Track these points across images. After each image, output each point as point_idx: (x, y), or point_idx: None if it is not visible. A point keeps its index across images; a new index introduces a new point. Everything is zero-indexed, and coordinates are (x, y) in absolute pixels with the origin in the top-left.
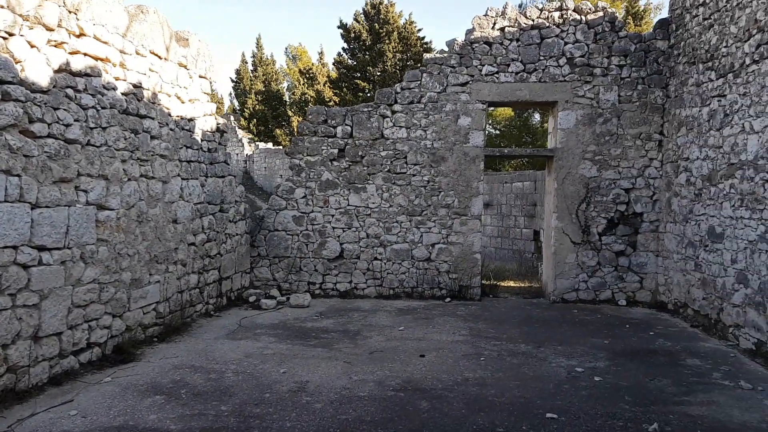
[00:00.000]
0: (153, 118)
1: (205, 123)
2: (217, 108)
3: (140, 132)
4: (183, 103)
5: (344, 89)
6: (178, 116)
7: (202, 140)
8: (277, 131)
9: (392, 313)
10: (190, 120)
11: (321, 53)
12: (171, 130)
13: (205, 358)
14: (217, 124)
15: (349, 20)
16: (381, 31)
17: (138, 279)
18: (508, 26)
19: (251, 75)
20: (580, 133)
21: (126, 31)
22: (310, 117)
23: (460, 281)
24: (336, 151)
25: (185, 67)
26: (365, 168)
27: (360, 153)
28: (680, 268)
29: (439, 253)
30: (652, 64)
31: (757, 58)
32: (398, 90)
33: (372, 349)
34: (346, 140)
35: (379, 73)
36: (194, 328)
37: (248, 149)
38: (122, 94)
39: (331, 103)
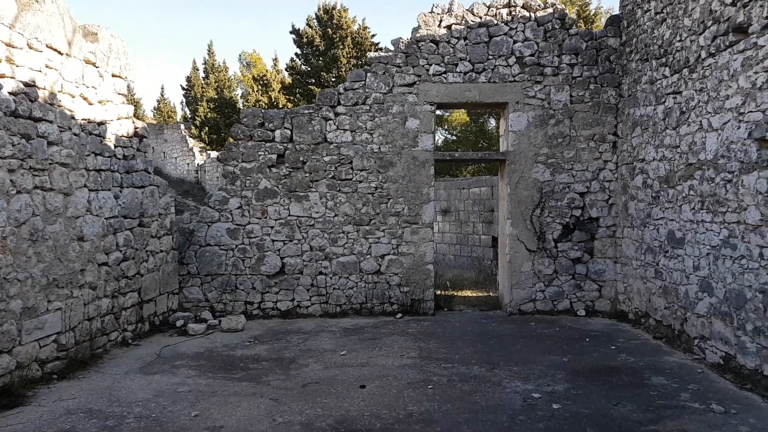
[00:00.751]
0: (51, 122)
1: (120, 127)
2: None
3: (34, 137)
4: (91, 104)
5: (298, 95)
6: (84, 119)
7: (115, 146)
8: (231, 139)
9: (336, 334)
10: (101, 124)
11: (275, 59)
12: (75, 135)
13: (107, 399)
14: (136, 128)
15: (301, 25)
16: (334, 36)
17: (32, 307)
18: (455, 24)
19: (203, 82)
20: (532, 136)
21: (14, 21)
22: (245, 120)
23: (412, 295)
24: (275, 156)
25: (93, 64)
26: (307, 174)
27: (301, 158)
28: (640, 275)
29: (389, 265)
30: (604, 62)
31: (713, 51)
32: (341, 91)
33: (306, 380)
34: (285, 145)
35: (333, 79)
36: (105, 361)
37: (200, 158)
38: (9, 93)
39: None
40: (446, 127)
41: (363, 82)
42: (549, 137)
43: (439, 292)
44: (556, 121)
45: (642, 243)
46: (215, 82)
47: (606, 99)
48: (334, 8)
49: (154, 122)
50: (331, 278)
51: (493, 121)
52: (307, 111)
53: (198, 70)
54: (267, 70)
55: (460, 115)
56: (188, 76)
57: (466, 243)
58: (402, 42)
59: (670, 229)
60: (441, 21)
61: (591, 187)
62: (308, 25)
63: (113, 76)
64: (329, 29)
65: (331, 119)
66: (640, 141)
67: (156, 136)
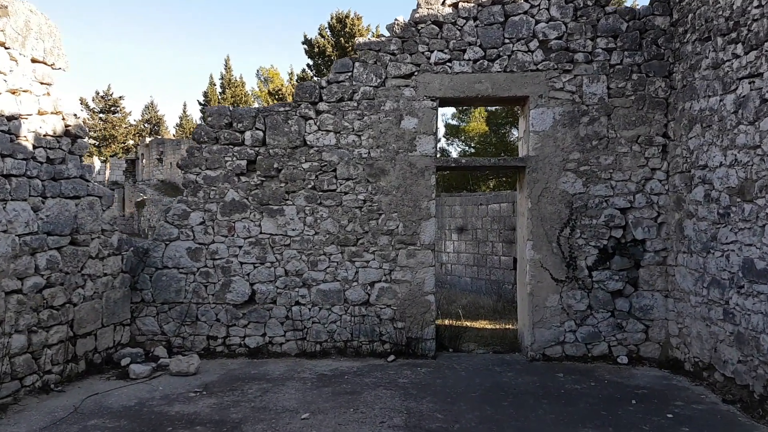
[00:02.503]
0: None
1: (44, 124)
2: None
3: None
4: None
5: None
6: None
7: (35, 147)
8: (193, 142)
9: (307, 384)
10: (11, 118)
11: (291, 73)
12: None
13: None
14: (67, 126)
15: (314, 35)
16: (347, 45)
17: None
18: (463, 1)
19: (219, 97)
20: (559, 137)
21: None
22: (209, 119)
23: (408, 332)
24: (244, 163)
25: (2, 45)
26: (283, 184)
27: (276, 165)
28: (701, 315)
29: (380, 295)
30: (650, 46)
31: None
32: (324, 84)
33: None
34: (257, 149)
35: None
36: (8, 416)
37: None
38: None
39: None
40: (463, 138)
41: (350, 74)
42: (581, 139)
43: (447, 322)
44: (590, 119)
45: (704, 274)
46: (231, 96)
47: (653, 91)
48: (347, 17)
49: (173, 138)
50: (309, 309)
51: (516, 132)
52: (282, 109)
53: (215, 85)
54: (283, 85)
55: (478, 125)
56: (205, 92)
57: (484, 264)
58: (397, 24)
59: (747, 257)
60: None
61: (635, 202)
62: (320, 34)
63: (33, 61)
64: (342, 38)
65: (311, 118)
66: (699, 142)
67: (173, 151)
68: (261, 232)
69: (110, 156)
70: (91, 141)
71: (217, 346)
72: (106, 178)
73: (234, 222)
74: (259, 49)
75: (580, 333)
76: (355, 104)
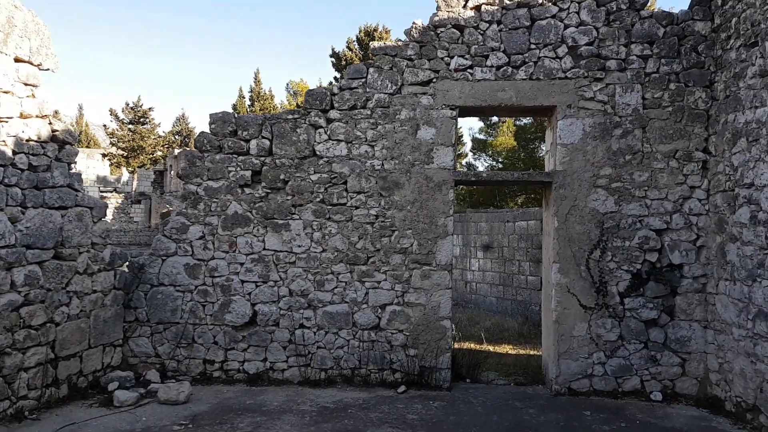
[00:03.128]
0: None
1: (27, 128)
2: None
3: None
4: None
5: None
6: None
7: (16, 152)
8: (194, 150)
9: (306, 419)
10: None
11: (319, 86)
12: None
13: None
14: (54, 131)
15: (341, 48)
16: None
17: None
18: (487, 3)
19: (248, 110)
20: (589, 151)
21: None
22: (212, 126)
23: (421, 360)
24: (248, 173)
25: None
26: (289, 197)
27: (282, 176)
28: (746, 350)
29: (391, 319)
30: (690, 53)
31: None
32: (335, 91)
33: None
34: (262, 159)
35: None
36: None
37: None
38: None
39: None
40: (490, 152)
41: (363, 80)
42: (613, 153)
43: (469, 345)
44: (624, 132)
45: (749, 304)
46: (260, 110)
47: (692, 102)
48: (375, 30)
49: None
50: (314, 333)
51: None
52: (291, 117)
53: (244, 98)
54: None
55: (506, 140)
56: (234, 104)
57: (511, 284)
58: (416, 28)
59: None
60: (467, 1)
61: (672, 223)
62: (348, 47)
63: (16, 60)
64: (369, 51)
65: (321, 127)
66: (745, 158)
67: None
68: (264, 248)
69: (138, 167)
70: (120, 152)
71: (213, 371)
72: (134, 189)
73: (236, 237)
74: (290, 62)
75: (609, 365)
76: (369, 112)
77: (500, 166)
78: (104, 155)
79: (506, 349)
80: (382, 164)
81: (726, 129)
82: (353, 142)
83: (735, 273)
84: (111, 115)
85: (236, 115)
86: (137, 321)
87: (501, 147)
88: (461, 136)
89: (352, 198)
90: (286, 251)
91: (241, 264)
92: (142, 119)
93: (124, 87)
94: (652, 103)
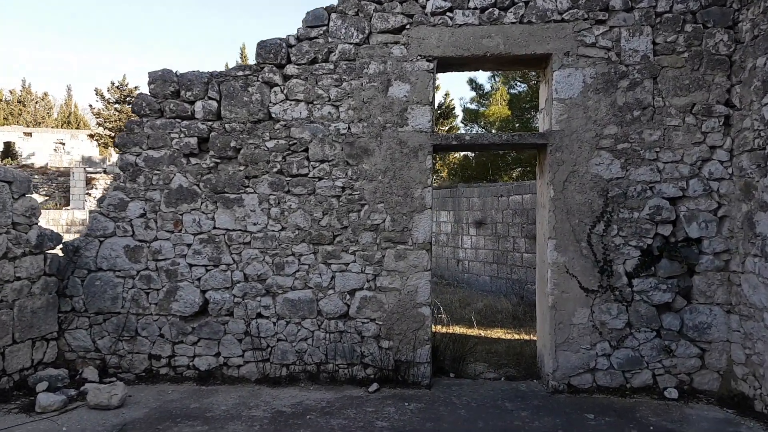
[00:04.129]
0: None
1: None
2: None
3: None
4: None
5: None
6: None
7: None
8: (132, 116)
9: (255, 428)
10: None
11: None
12: None
13: None
14: None
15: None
16: None
17: None
18: None
19: None
20: (590, 106)
21: None
22: (152, 87)
23: (396, 353)
24: (194, 140)
25: None
26: (242, 168)
27: (233, 144)
28: None
29: (362, 306)
30: None
31: None
32: (292, 42)
33: None
34: (210, 123)
35: None
36: None
37: None
38: None
39: None
40: (482, 123)
41: (325, 28)
42: (619, 109)
43: (460, 330)
44: (631, 83)
45: None
46: None
47: (713, 46)
48: None
49: None
50: (274, 324)
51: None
52: (241, 73)
53: None
54: None
55: (500, 109)
56: None
57: (505, 262)
58: None
59: None
60: None
61: (689, 190)
62: None
63: None
64: None
65: (277, 85)
66: None
67: None
68: (214, 227)
69: None
70: (107, 132)
71: (160, 368)
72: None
73: (181, 214)
74: (276, 34)
75: (616, 358)
76: (332, 67)
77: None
78: (91, 136)
79: (498, 333)
80: (349, 128)
81: (754, 76)
82: (314, 103)
83: (766, 248)
84: (97, 95)
85: (178, 73)
86: (74, 311)
87: (494, 117)
88: (452, 107)
89: (314, 168)
90: (239, 230)
91: (188, 245)
92: (128, 99)
93: (114, 66)
94: (665, 49)
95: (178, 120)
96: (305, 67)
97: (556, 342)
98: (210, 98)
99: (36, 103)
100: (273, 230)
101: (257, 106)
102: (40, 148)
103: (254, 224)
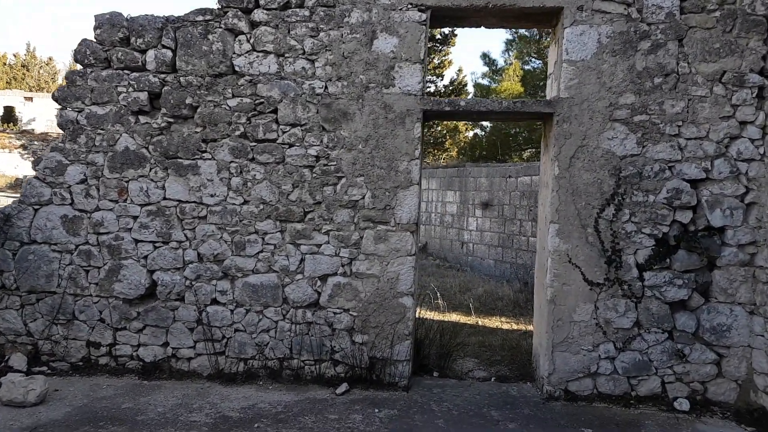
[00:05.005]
0: None
1: None
2: None
3: None
4: None
5: None
6: None
7: None
8: (74, 66)
9: None
10: None
11: None
12: None
13: None
14: None
15: None
16: None
17: None
18: None
19: None
20: (605, 71)
21: None
22: (98, 32)
23: (372, 349)
24: (144, 96)
25: None
26: (198, 130)
27: (189, 101)
28: None
29: (334, 295)
30: None
31: None
32: None
33: None
34: (163, 77)
35: None
36: None
37: None
38: None
39: None
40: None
41: None
42: (637, 75)
43: (457, 318)
44: (653, 45)
45: None
46: None
47: (749, 5)
48: None
49: None
50: (232, 312)
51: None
52: (201, 18)
53: None
54: None
55: (512, 85)
56: None
57: (510, 246)
58: None
59: None
60: None
61: (713, 171)
62: None
63: None
64: None
65: (242, 33)
66: None
67: None
68: (165, 198)
69: None
70: None
71: (99, 357)
72: None
73: (127, 181)
74: None
75: (621, 361)
76: (307, 13)
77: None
78: None
79: (497, 322)
80: (326, 86)
81: None
82: (286, 56)
83: None
84: None
85: (129, 17)
86: (4, 288)
87: (506, 93)
88: (464, 84)
89: (284, 132)
90: (193, 202)
91: (135, 218)
92: None
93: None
94: (694, 6)
95: (127, 71)
96: (276, 12)
97: (553, 341)
98: (164, 47)
99: (40, 68)
100: (233, 203)
101: (218, 58)
102: (41, 113)
103: (211, 196)
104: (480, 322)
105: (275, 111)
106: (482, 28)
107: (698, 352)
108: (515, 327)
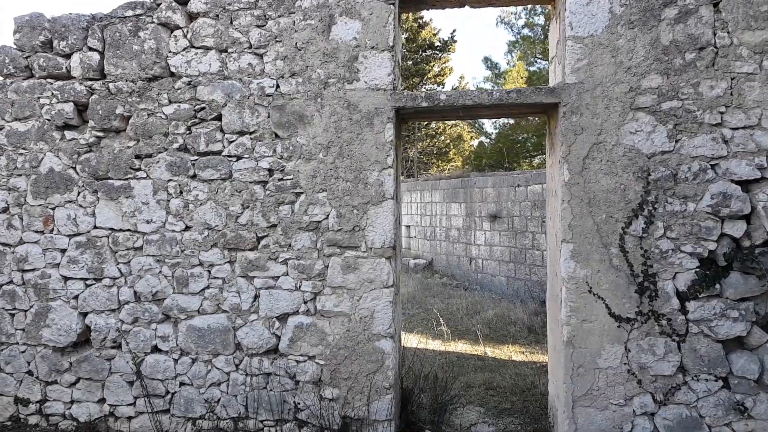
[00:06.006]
0: None
1: None
2: None
3: None
4: None
5: None
6: None
7: None
8: None
9: None
10: None
11: None
12: None
13: None
14: None
15: None
16: None
17: None
18: None
19: None
20: (621, 47)
21: None
22: (17, 37)
23: (345, 407)
24: (70, 107)
25: None
26: (131, 144)
27: (120, 110)
28: None
29: (296, 339)
30: None
31: None
32: None
33: None
34: (90, 84)
35: None
36: None
37: None
38: None
39: None
40: None
41: None
42: (663, 50)
43: (461, 349)
44: (681, 13)
45: None
46: None
47: None
48: None
49: None
50: (176, 362)
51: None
52: (131, 13)
53: None
54: None
55: (516, 87)
56: None
57: (523, 261)
58: None
59: None
60: None
61: None
62: None
63: None
64: None
65: (178, 27)
66: None
67: None
68: (95, 226)
69: None
70: None
71: (29, 416)
72: None
73: (53, 208)
74: None
75: (663, 418)
76: (252, 0)
77: (512, 120)
78: None
79: (508, 352)
80: (277, 85)
81: None
82: (229, 51)
83: None
84: None
85: (51, 18)
86: None
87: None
88: (465, 85)
89: (230, 142)
90: (127, 230)
91: (63, 251)
92: None
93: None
94: None
95: (51, 80)
96: (216, 1)
97: (573, 394)
98: (91, 49)
99: None
100: (173, 230)
101: (151, 57)
102: None
103: (147, 222)
104: (489, 352)
105: (219, 117)
106: (466, 7)
107: (764, 405)
108: (529, 358)
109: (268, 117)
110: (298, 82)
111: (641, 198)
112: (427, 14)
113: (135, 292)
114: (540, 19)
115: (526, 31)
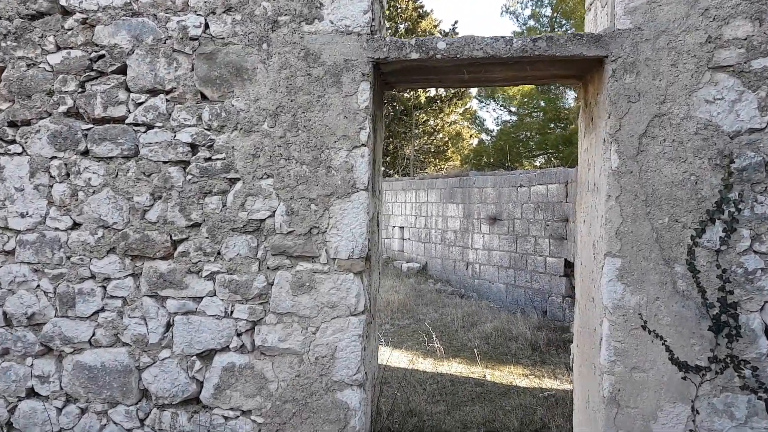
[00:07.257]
0: None
1: None
2: None
3: None
4: None
5: None
6: None
7: None
8: None
9: None
10: None
11: None
12: None
13: None
14: None
15: None
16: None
17: None
18: None
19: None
20: None
21: None
22: None
23: None
24: None
25: None
26: (5, 106)
27: None
28: None
29: (225, 386)
30: None
31: None
32: None
33: None
34: None
35: None
36: None
37: None
38: None
39: None
40: (501, 100)
41: None
42: None
43: (455, 371)
44: None
45: None
46: None
47: None
48: None
49: None
50: (59, 410)
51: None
52: None
53: None
54: None
55: (521, 86)
56: None
57: (524, 267)
58: None
59: None
60: None
61: None
62: None
63: None
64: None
65: None
66: None
67: None
68: None
69: None
70: None
71: None
72: None
73: None
74: None
75: None
76: None
77: (514, 117)
78: None
79: (510, 374)
80: (206, 24)
81: None
82: None
83: None
84: None
85: None
86: None
87: (515, 91)
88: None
89: (137, 105)
90: None
91: None
92: None
93: None
94: None
95: None
96: None
97: None
98: None
99: None
100: (56, 228)
101: None
102: None
103: (22, 216)
104: (488, 375)
105: (123, 70)
106: None
107: None
108: (535, 383)
109: (192, 70)
110: (235, 20)
111: (720, 195)
112: (428, 3)
113: (5, 314)
114: (547, 11)
115: (532, 22)
